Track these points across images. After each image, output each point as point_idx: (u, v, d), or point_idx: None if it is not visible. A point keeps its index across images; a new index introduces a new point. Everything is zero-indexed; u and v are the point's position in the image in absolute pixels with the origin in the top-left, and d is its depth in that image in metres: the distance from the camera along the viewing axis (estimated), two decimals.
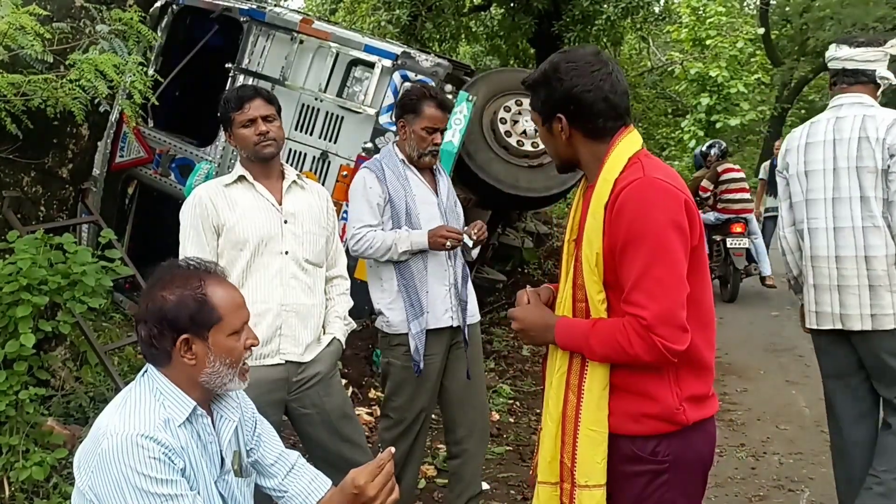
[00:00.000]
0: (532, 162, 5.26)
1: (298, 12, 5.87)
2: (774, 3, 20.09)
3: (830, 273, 2.69)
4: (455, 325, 2.86)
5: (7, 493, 2.88)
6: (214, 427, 1.67)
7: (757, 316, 7.05)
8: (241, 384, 1.66)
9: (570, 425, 1.66)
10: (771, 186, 8.08)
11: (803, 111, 23.13)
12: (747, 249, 7.32)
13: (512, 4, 10.35)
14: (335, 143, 4.74)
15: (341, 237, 4.38)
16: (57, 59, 3.21)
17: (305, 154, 4.79)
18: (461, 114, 4.52)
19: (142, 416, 1.52)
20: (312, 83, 4.74)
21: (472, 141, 5.10)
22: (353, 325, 2.69)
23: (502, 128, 5.22)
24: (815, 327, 2.78)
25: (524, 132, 5.26)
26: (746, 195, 7.58)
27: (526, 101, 5.27)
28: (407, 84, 4.52)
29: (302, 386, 2.46)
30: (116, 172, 5.27)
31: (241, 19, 4.93)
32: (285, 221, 2.46)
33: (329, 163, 4.74)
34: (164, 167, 5.15)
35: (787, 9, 20.42)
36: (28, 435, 2.98)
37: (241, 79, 4.85)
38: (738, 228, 7.25)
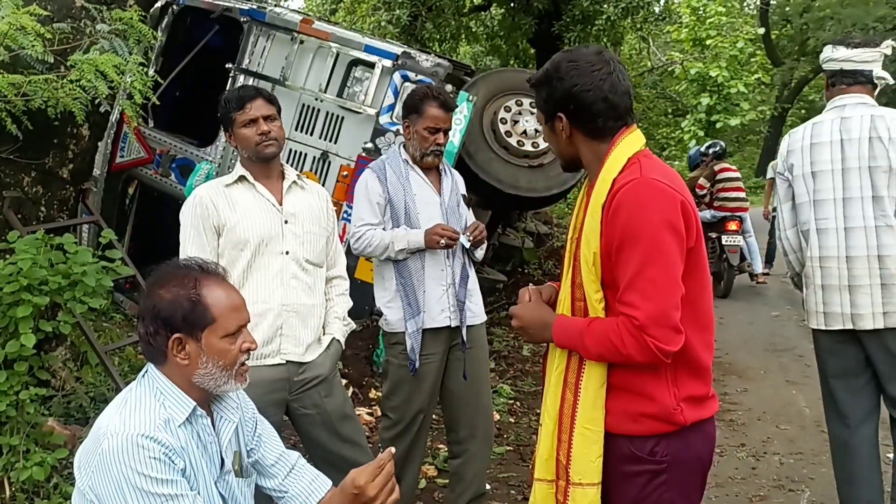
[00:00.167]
0: (532, 162, 5.27)
1: (298, 12, 5.87)
2: (774, 3, 20.10)
3: (840, 273, 2.67)
4: (453, 325, 2.86)
5: (8, 493, 2.89)
6: (214, 427, 1.67)
7: (757, 316, 7.06)
8: (237, 386, 1.66)
9: (567, 423, 1.67)
10: None
11: (803, 111, 23.15)
12: (740, 247, 7.49)
13: (512, 4, 10.35)
14: (335, 143, 4.74)
15: (341, 238, 4.40)
16: (57, 60, 3.21)
17: (306, 154, 4.80)
18: (461, 114, 4.52)
19: (142, 417, 1.52)
20: (313, 83, 4.75)
21: (472, 141, 5.11)
22: (353, 325, 2.69)
23: (502, 128, 5.23)
24: (822, 328, 2.76)
25: (524, 132, 5.26)
26: (742, 194, 7.75)
27: (526, 101, 5.29)
28: (407, 84, 4.52)
29: (303, 386, 2.46)
30: (117, 173, 5.27)
31: (242, 19, 4.93)
32: (286, 221, 2.47)
33: (329, 163, 4.75)
34: (164, 167, 5.15)
35: (787, 9, 20.43)
36: (29, 435, 2.99)
37: (241, 79, 4.85)
38: (733, 226, 7.41)
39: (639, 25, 10.94)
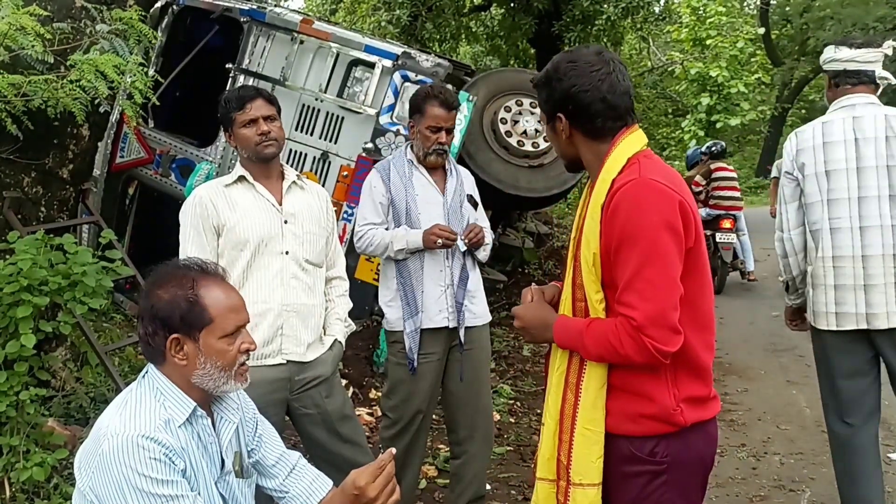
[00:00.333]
0: (532, 162, 5.27)
1: (299, 12, 5.87)
2: (774, 3, 20.10)
3: (856, 273, 2.65)
4: (451, 326, 2.86)
5: (8, 493, 2.89)
6: (215, 428, 1.67)
7: (757, 316, 7.06)
8: (237, 386, 1.66)
9: (568, 423, 1.67)
10: None
11: (803, 111, 23.16)
12: (734, 245, 7.74)
13: (512, 4, 10.35)
14: (335, 143, 4.74)
15: (340, 238, 4.40)
16: (57, 60, 3.21)
17: (306, 154, 4.80)
18: (461, 114, 4.52)
19: (142, 417, 1.52)
20: (313, 83, 4.74)
21: (472, 141, 5.11)
22: (353, 326, 2.70)
23: (503, 128, 5.23)
24: (833, 328, 2.73)
25: (524, 132, 5.26)
26: (737, 194, 7.99)
27: (526, 102, 5.29)
28: (407, 84, 4.52)
29: (304, 386, 2.46)
30: (117, 173, 5.27)
31: (242, 19, 4.93)
32: (285, 221, 2.47)
33: (329, 163, 4.75)
34: (164, 168, 5.15)
35: (787, 9, 20.44)
36: (29, 435, 2.99)
37: (241, 79, 4.85)
38: (727, 224, 7.66)
39: (639, 25, 10.94)
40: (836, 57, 2.74)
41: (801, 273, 2.87)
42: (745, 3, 19.99)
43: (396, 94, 4.56)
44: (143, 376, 1.62)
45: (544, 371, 1.83)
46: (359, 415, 3.89)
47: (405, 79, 4.56)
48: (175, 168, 5.13)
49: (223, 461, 1.66)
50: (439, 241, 2.75)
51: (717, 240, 7.58)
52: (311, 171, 4.75)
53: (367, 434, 3.39)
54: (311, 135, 4.78)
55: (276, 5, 5.63)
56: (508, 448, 4.07)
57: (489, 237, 3.02)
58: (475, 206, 3.01)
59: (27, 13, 2.95)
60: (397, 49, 4.71)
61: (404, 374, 2.84)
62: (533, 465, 1.82)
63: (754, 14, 19.25)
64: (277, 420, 2.33)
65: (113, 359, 3.87)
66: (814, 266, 2.78)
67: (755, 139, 22.20)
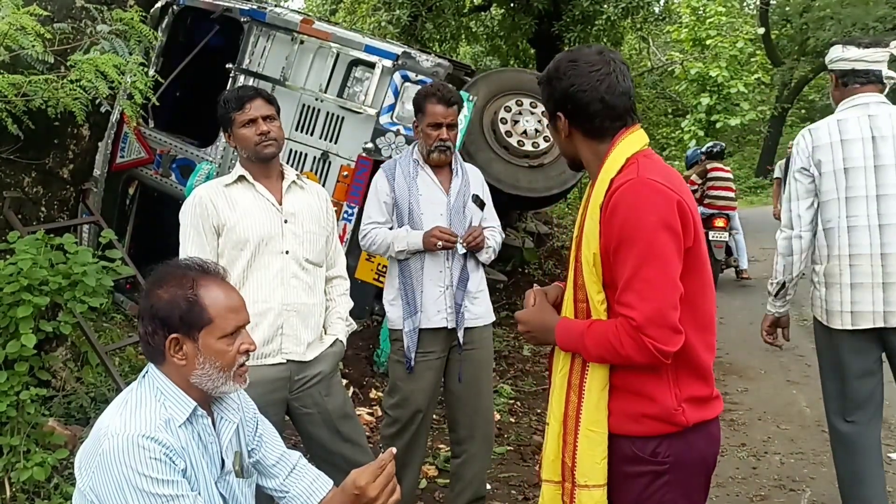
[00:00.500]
0: (532, 162, 5.27)
1: (299, 13, 5.87)
2: (774, 3, 20.09)
3: (874, 271, 2.63)
4: (450, 327, 2.87)
5: (8, 493, 2.89)
6: (215, 428, 1.67)
7: (757, 316, 6.99)
8: (237, 386, 1.65)
9: (571, 425, 1.66)
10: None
11: (803, 111, 23.15)
12: (727, 244, 8.00)
13: (512, 4, 10.36)
14: (336, 143, 4.74)
15: (341, 238, 4.40)
16: (58, 60, 3.21)
17: (306, 154, 4.80)
18: (461, 114, 4.52)
19: (143, 417, 1.52)
20: (313, 83, 4.74)
21: (472, 141, 5.11)
22: (354, 325, 2.70)
23: (503, 128, 5.23)
24: (848, 327, 2.70)
25: (524, 132, 5.26)
26: (731, 194, 8.22)
27: (526, 101, 5.29)
28: (407, 84, 4.53)
29: (303, 385, 2.46)
30: (117, 173, 5.27)
31: (242, 20, 4.93)
32: (285, 221, 2.47)
33: (330, 163, 4.75)
34: (164, 168, 5.15)
35: (787, 9, 20.42)
36: (29, 435, 2.99)
37: (241, 79, 4.85)
38: (719, 223, 7.87)
39: (639, 25, 10.95)
40: (845, 56, 2.73)
41: (800, 275, 2.85)
42: (744, 3, 20.00)
43: (396, 94, 4.56)
44: (144, 376, 1.62)
45: (548, 369, 1.83)
46: (359, 415, 3.89)
47: (405, 79, 4.56)
48: (175, 168, 5.13)
49: (223, 461, 1.66)
50: (439, 243, 2.76)
51: (710, 238, 7.72)
52: (311, 171, 4.75)
53: (367, 434, 3.39)
54: (312, 135, 4.78)
55: (276, 5, 5.63)
56: (509, 448, 4.06)
57: (497, 237, 3.01)
58: (481, 206, 2.99)
59: (27, 13, 2.95)
60: (397, 49, 4.71)
61: (403, 373, 2.86)
62: (537, 466, 1.82)
63: (754, 14, 19.25)
64: (277, 420, 2.33)
65: (113, 359, 3.87)
66: (828, 265, 2.74)
67: (755, 139, 22.19)
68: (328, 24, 5.42)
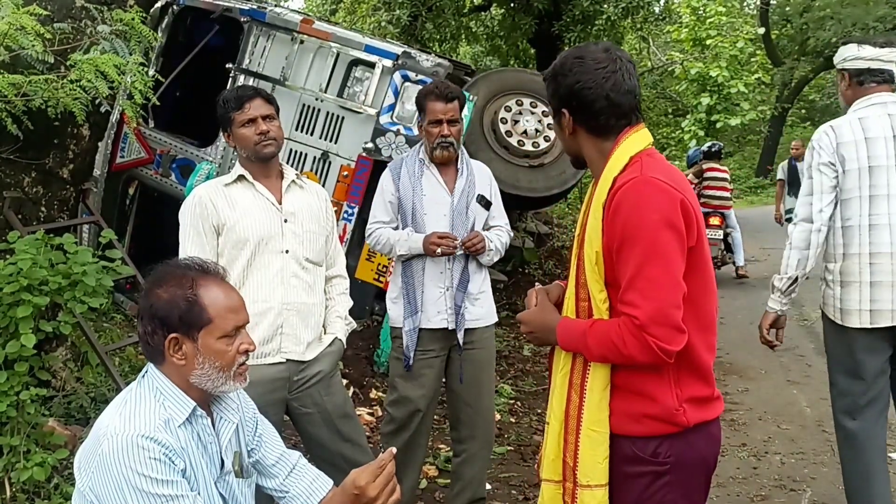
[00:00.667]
0: (533, 162, 5.26)
1: (299, 12, 5.87)
2: (774, 3, 20.10)
3: (893, 269, 2.63)
4: (450, 328, 2.87)
5: (8, 493, 2.89)
6: (214, 428, 1.67)
7: (757, 316, 6.98)
8: (236, 386, 1.65)
9: (573, 425, 1.66)
10: (791, 186, 8.59)
11: (803, 111, 23.15)
12: (726, 241, 8.31)
13: (512, 4, 10.36)
14: (336, 143, 4.74)
15: (341, 238, 4.39)
16: (58, 60, 3.21)
17: (306, 154, 4.79)
18: (462, 112, 4.52)
19: (142, 417, 1.52)
20: (313, 83, 4.74)
21: (472, 141, 5.10)
22: (354, 324, 2.70)
23: (503, 128, 5.22)
24: (866, 326, 2.68)
25: (525, 132, 5.26)
26: (726, 194, 8.45)
27: (526, 101, 5.29)
28: (408, 84, 4.53)
29: (303, 385, 2.46)
30: (117, 173, 5.27)
31: (242, 19, 4.93)
32: (285, 220, 2.47)
33: (330, 163, 4.75)
34: (164, 168, 5.15)
35: (787, 9, 20.42)
36: (29, 435, 2.98)
37: (241, 79, 4.85)
38: (714, 221, 8.14)
39: (639, 25, 10.95)
40: (861, 55, 2.73)
41: (810, 271, 2.81)
42: (745, 3, 20.01)
43: (396, 93, 4.56)
44: (143, 376, 1.62)
45: (549, 368, 1.83)
46: (359, 415, 3.89)
47: (405, 79, 4.56)
48: (175, 168, 5.13)
49: (223, 461, 1.66)
50: (438, 250, 2.77)
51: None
52: (311, 170, 4.74)
53: (367, 434, 3.39)
54: (312, 135, 4.78)
55: (276, 5, 5.63)
56: (509, 448, 4.06)
57: (504, 237, 3.00)
58: (487, 206, 2.96)
59: (27, 13, 2.95)
60: (397, 49, 4.71)
61: (402, 371, 2.87)
62: (536, 466, 1.82)
63: (754, 14, 19.26)
64: (276, 419, 2.33)
65: (113, 359, 3.87)
66: (844, 263, 2.72)
67: (755, 139, 22.19)
68: (328, 23, 5.42)
